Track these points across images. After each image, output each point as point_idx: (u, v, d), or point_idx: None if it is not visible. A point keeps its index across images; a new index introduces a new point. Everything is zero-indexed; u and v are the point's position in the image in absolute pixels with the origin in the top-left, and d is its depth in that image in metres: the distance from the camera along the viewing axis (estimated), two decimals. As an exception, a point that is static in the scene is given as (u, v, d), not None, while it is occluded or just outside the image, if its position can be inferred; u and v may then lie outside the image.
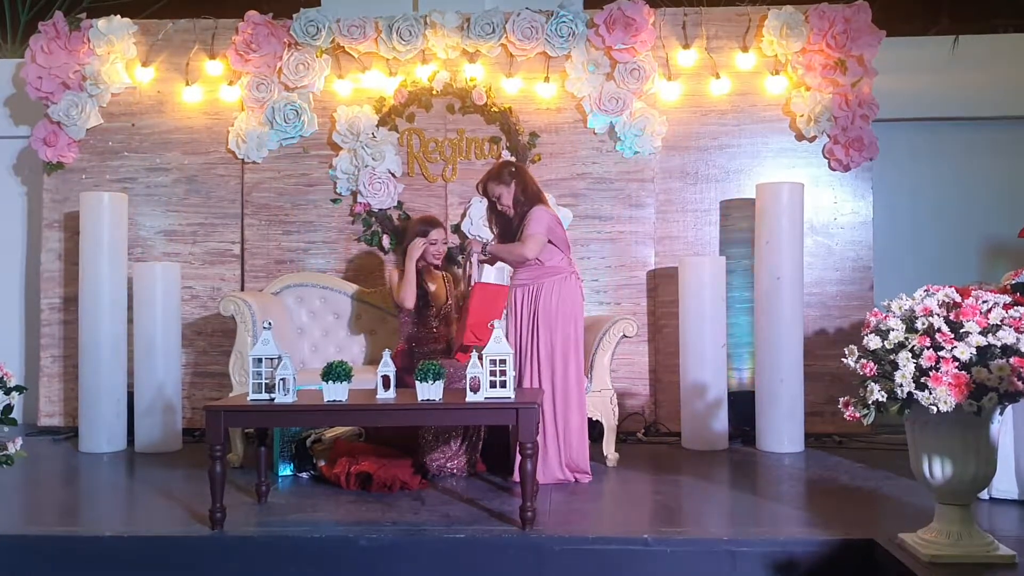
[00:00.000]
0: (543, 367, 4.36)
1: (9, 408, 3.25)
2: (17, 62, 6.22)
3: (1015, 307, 2.92)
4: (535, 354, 4.37)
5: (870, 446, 5.25)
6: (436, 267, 4.87)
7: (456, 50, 5.78)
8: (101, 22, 5.83)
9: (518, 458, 3.92)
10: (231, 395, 4.83)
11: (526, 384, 4.37)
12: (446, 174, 5.82)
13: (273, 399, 3.66)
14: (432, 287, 4.81)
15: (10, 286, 6.38)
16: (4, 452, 3.22)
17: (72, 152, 5.91)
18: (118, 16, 5.88)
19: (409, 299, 4.65)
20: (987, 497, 3.87)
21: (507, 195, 4.45)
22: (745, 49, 5.76)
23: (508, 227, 4.52)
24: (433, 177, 5.83)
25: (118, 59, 5.86)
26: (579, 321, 4.43)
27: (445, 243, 4.87)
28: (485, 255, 4.54)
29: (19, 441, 3.28)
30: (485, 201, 4.62)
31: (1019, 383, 2.77)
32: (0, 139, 6.32)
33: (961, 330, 2.88)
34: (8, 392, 3.26)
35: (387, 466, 4.22)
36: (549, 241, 4.39)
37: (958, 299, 2.98)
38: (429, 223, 4.86)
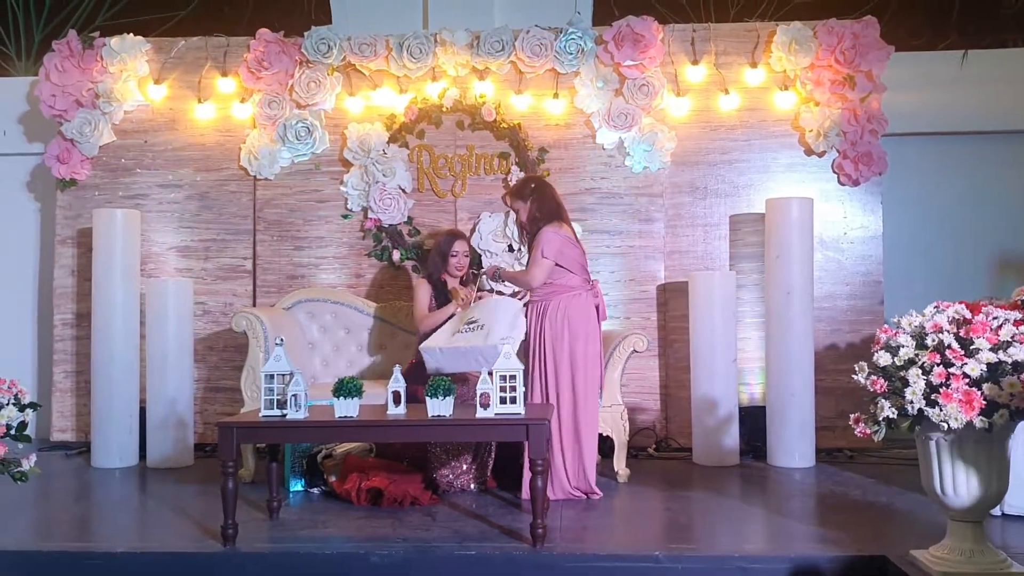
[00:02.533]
0: (549, 384, 4.35)
1: (24, 425, 3.27)
2: (31, 80, 6.28)
3: (1026, 323, 2.92)
4: (543, 371, 4.37)
5: (882, 461, 5.23)
6: (461, 280, 4.93)
7: (466, 67, 5.81)
8: (114, 40, 5.88)
9: (528, 474, 3.93)
10: (243, 410, 4.85)
11: (536, 401, 4.37)
12: (456, 190, 5.85)
13: (285, 415, 3.68)
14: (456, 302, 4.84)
15: (23, 302, 6.43)
16: (19, 469, 3.24)
17: (85, 169, 5.96)
18: (131, 34, 5.93)
19: (426, 329, 4.69)
20: (999, 514, 3.86)
21: (523, 211, 4.52)
22: (754, 65, 5.78)
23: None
24: (443, 193, 5.86)
25: (131, 77, 5.91)
26: (590, 338, 4.40)
27: (467, 255, 4.93)
28: (498, 279, 4.58)
29: (33, 458, 3.30)
30: (495, 216, 4.67)
31: (1030, 400, 2.77)
32: (14, 156, 6.39)
33: (971, 347, 2.88)
34: (23, 409, 3.28)
35: (398, 482, 4.23)
36: (558, 264, 4.38)
37: (968, 315, 2.97)
38: (453, 236, 4.96)
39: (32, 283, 6.44)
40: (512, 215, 4.80)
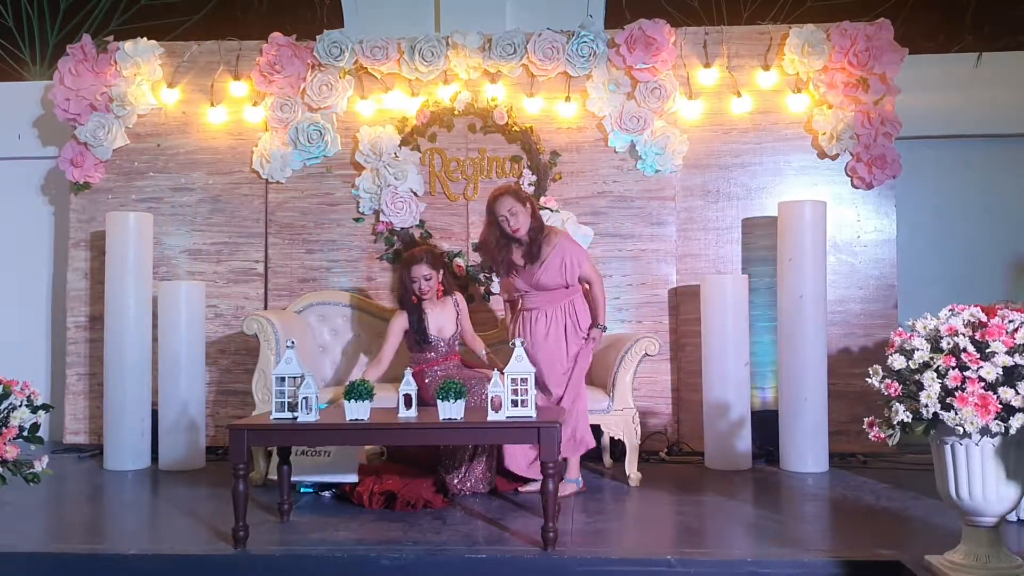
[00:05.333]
0: (575, 373, 4.59)
1: (36, 427, 3.28)
2: (45, 84, 6.32)
3: (1042, 326, 2.89)
4: (571, 364, 4.58)
5: (895, 466, 5.20)
6: (443, 294, 4.79)
7: (478, 70, 5.81)
8: (128, 44, 5.91)
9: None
10: (254, 413, 4.85)
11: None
12: (467, 193, 5.85)
13: (296, 418, 3.68)
14: (433, 320, 4.68)
15: (37, 305, 6.46)
16: (31, 470, 3.24)
17: (99, 172, 5.99)
18: (144, 38, 5.96)
19: (371, 376, 4.51)
20: (1015, 519, 3.82)
21: (524, 215, 4.52)
22: (766, 67, 5.76)
23: (508, 250, 4.60)
24: (455, 196, 5.86)
25: (144, 80, 5.94)
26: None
27: (428, 278, 4.65)
28: (603, 330, 4.69)
29: (45, 459, 3.31)
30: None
31: (1047, 403, 2.74)
32: (28, 160, 6.43)
33: (987, 350, 2.85)
34: (35, 411, 3.29)
35: (410, 485, 4.23)
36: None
37: (984, 318, 2.95)
38: (411, 261, 4.70)
39: (46, 286, 6.47)
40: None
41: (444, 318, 4.73)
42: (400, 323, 4.68)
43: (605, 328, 4.69)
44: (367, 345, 5.48)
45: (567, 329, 4.57)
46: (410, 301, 4.68)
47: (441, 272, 4.77)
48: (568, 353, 4.57)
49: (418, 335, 4.64)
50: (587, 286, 4.63)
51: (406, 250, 5.72)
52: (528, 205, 4.55)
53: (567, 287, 4.56)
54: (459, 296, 4.88)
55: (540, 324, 4.56)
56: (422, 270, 4.65)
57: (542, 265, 4.51)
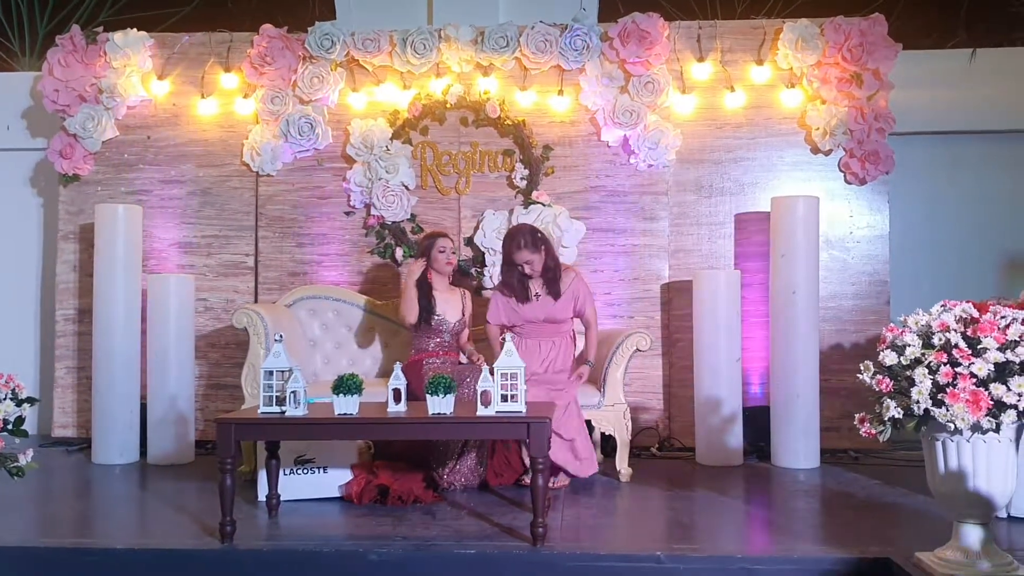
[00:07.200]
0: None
1: (20, 420, 3.25)
2: (35, 75, 6.27)
3: (1034, 323, 2.88)
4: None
5: (886, 462, 5.20)
6: (449, 276, 4.92)
7: (470, 63, 5.78)
8: (118, 35, 5.86)
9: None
10: (243, 407, 4.83)
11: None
12: (459, 187, 5.82)
13: (284, 412, 3.65)
14: (441, 303, 4.80)
15: (25, 297, 6.42)
16: (15, 464, 3.22)
17: (88, 164, 5.94)
18: (134, 29, 5.92)
19: (410, 315, 4.73)
20: (1005, 516, 3.82)
21: (539, 260, 4.67)
22: (760, 62, 5.74)
23: (524, 286, 4.72)
24: (446, 190, 5.83)
25: (134, 72, 5.89)
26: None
27: (454, 251, 4.91)
28: (591, 367, 4.76)
29: (30, 453, 3.28)
30: (499, 214, 4.77)
31: (1038, 400, 2.73)
32: (17, 151, 6.38)
33: (979, 346, 2.85)
34: (19, 404, 3.26)
35: (402, 480, 4.21)
36: None
37: (975, 315, 2.94)
38: (436, 235, 4.94)
39: (34, 278, 6.42)
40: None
41: (451, 304, 4.85)
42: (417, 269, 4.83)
43: (593, 364, 4.77)
44: (357, 339, 5.45)
45: (567, 357, 4.77)
46: (423, 277, 4.80)
47: None
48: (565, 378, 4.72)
49: (424, 306, 4.74)
50: (585, 321, 4.79)
51: (397, 244, 5.73)
52: (542, 249, 4.67)
53: (572, 319, 4.79)
54: (467, 292, 5.06)
55: (546, 350, 4.71)
56: (449, 243, 4.89)
57: (558, 299, 4.68)
